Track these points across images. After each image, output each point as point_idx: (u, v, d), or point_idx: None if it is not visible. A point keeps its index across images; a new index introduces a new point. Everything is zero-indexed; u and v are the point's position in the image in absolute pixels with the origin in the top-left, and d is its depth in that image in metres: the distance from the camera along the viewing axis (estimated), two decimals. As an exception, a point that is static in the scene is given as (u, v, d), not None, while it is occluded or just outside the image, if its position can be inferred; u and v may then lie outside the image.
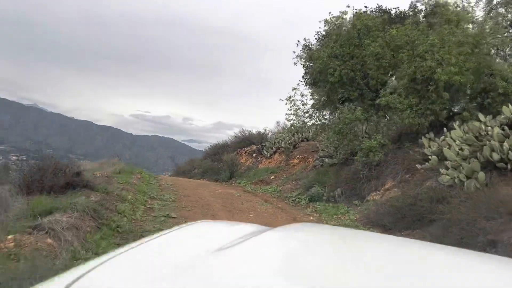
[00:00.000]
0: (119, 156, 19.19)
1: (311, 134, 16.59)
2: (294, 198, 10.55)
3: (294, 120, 12.21)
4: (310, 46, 12.39)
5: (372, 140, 9.53)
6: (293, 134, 16.86)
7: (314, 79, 11.70)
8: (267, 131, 19.52)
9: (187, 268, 0.90)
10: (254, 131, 19.99)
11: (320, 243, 1.35)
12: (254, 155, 17.61)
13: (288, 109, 11.97)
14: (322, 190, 10.36)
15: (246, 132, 19.74)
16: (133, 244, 1.07)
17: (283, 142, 16.07)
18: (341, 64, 10.52)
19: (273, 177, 13.77)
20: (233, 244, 1.09)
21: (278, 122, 20.23)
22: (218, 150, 21.10)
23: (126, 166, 14.03)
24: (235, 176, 16.15)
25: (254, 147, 18.44)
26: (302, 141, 16.18)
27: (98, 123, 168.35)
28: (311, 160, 14.38)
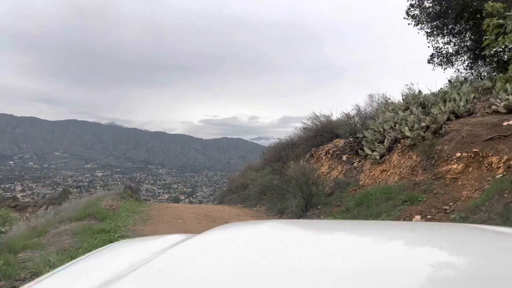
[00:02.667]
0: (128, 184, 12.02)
1: (461, 104, 7.61)
2: None
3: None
4: None
5: None
6: (422, 106, 8.04)
7: None
8: (363, 109, 10.69)
9: None
10: (333, 117, 11.32)
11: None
12: (344, 158, 9.04)
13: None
14: None
15: (321, 118, 11.17)
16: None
17: (406, 128, 7.30)
18: None
19: (418, 217, 5.08)
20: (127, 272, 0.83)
21: (371, 96, 11.41)
22: (280, 153, 12.81)
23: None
24: (316, 203, 7.76)
25: (340, 142, 9.88)
26: (449, 120, 7.29)
27: (171, 132, 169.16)
28: (494, 160, 5.56)
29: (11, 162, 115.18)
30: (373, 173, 7.58)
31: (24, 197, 75.12)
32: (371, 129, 8.43)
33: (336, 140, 10.22)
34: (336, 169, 8.80)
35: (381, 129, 8.19)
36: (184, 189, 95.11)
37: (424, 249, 1.03)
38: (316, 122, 11.00)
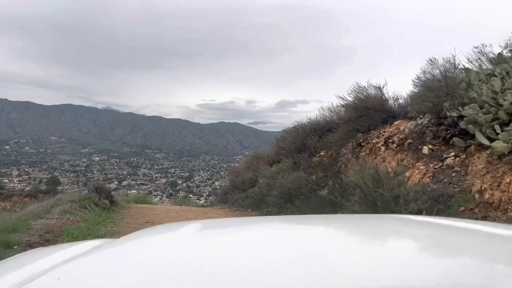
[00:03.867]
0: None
1: None
2: None
3: None
4: None
5: None
6: None
7: None
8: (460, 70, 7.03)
9: None
10: (385, 92, 7.63)
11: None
12: (425, 150, 5.51)
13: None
14: None
15: (371, 91, 7.50)
16: None
17: None
18: None
19: None
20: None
21: (432, 61, 7.79)
22: (304, 141, 9.26)
23: None
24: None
25: (405, 124, 6.33)
26: None
27: (168, 117, 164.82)
28: None
29: (7, 147, 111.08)
30: (507, 180, 4.05)
31: (20, 182, 71.77)
32: (484, 102, 4.85)
33: (397, 122, 6.67)
34: (415, 169, 5.25)
35: (505, 102, 4.63)
36: (182, 174, 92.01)
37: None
38: (362, 97, 7.40)
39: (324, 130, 9.17)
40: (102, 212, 7.01)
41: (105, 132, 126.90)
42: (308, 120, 10.14)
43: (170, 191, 74.05)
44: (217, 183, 78.22)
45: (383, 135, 6.50)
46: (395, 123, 6.69)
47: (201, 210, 9.27)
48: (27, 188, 40.38)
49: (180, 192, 72.35)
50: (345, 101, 7.76)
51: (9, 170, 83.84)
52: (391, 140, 6.22)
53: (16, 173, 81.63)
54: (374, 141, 6.53)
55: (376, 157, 6.25)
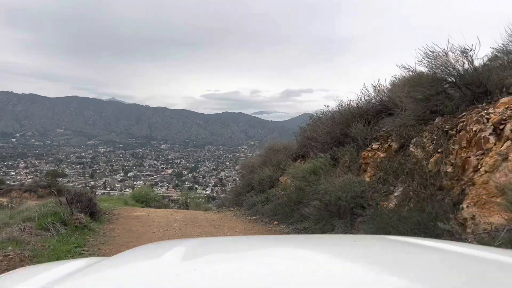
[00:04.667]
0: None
1: None
2: None
3: None
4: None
5: None
6: None
7: None
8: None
9: None
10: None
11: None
12: None
13: None
14: None
15: (452, 58, 5.14)
16: None
17: None
18: None
19: None
20: None
21: None
22: (344, 130, 6.93)
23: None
24: None
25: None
26: None
27: (172, 108, 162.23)
28: None
29: (14, 140, 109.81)
30: None
31: (27, 174, 70.41)
32: None
33: (506, 100, 4.32)
34: None
35: None
36: (187, 164, 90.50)
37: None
38: (439, 64, 5.05)
39: (369, 115, 6.84)
40: (72, 235, 4.77)
41: (110, 123, 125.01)
42: (344, 104, 7.78)
43: (176, 181, 72.37)
44: (222, 173, 76.62)
45: (487, 118, 4.17)
46: (501, 100, 4.36)
47: (211, 220, 7.02)
48: (27, 183, 38.18)
49: (186, 182, 70.70)
50: (411, 72, 5.41)
51: (16, 162, 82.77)
52: (507, 126, 3.90)
53: (23, 165, 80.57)
54: (473, 128, 4.21)
55: (484, 152, 3.94)
